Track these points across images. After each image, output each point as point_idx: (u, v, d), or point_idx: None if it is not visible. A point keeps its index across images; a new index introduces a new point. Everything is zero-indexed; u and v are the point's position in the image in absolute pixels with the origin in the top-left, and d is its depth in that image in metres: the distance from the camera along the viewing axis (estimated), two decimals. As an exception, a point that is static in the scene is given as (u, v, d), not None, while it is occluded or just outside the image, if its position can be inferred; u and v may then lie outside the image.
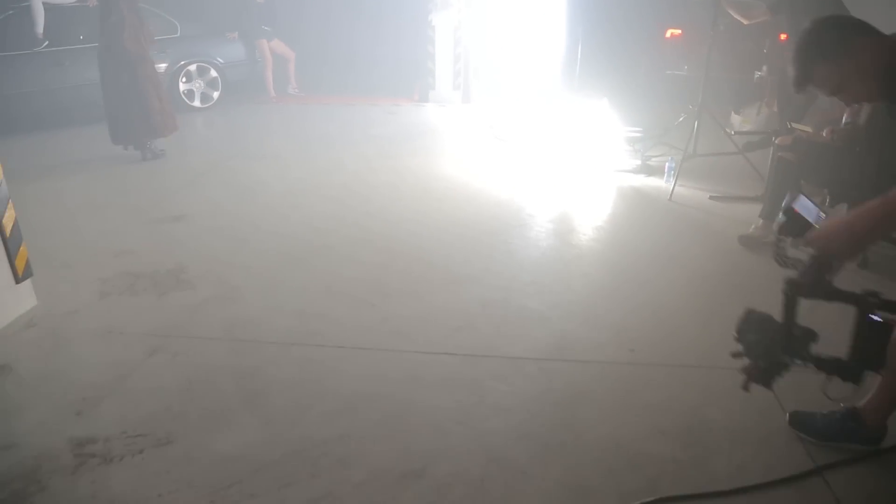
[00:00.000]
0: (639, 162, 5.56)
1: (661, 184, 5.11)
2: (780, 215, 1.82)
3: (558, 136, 6.34)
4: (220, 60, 8.33)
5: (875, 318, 1.71)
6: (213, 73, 8.29)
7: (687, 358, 2.71)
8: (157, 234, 4.34)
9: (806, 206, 1.85)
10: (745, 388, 1.84)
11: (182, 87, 8.09)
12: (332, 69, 10.09)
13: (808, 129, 4.05)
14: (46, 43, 7.11)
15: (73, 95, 7.23)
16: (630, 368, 2.69)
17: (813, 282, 1.70)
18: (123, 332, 3.09)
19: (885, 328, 1.71)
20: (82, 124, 7.34)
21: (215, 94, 8.35)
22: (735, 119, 6.47)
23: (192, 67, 8.12)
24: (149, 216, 4.63)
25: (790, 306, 1.71)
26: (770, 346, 1.76)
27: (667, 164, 5.21)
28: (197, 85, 8.23)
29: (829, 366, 1.83)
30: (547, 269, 3.75)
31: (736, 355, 1.85)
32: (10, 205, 3.21)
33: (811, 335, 1.80)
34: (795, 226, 1.82)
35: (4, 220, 3.17)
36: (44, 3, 7.06)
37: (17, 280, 3.27)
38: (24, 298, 3.32)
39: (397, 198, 4.93)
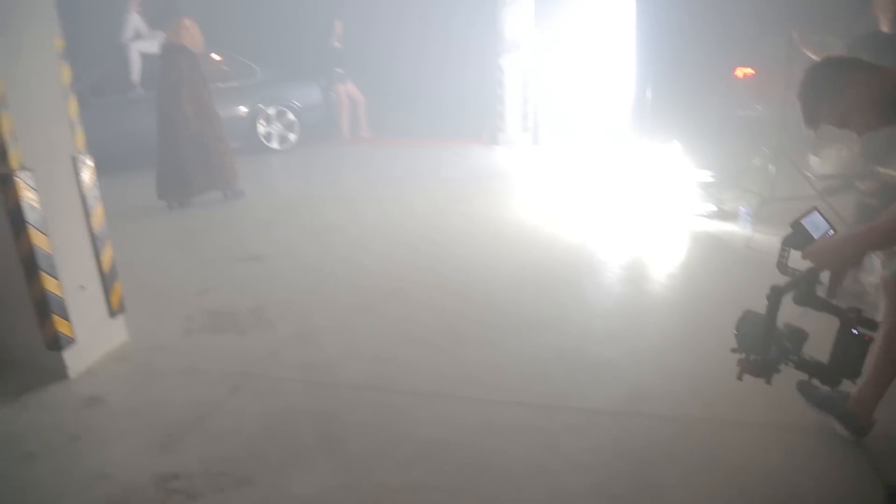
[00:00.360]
0: (713, 207, 5.44)
1: (737, 230, 4.99)
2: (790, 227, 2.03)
3: (629, 180, 6.30)
4: (298, 104, 8.70)
5: (855, 331, 1.92)
6: (291, 116, 8.65)
7: (767, 416, 2.60)
8: (237, 273, 4.52)
9: (815, 223, 2.01)
10: (739, 377, 2.06)
11: (261, 129, 8.47)
12: (401, 111, 10.35)
13: (895, 172, 3.90)
14: (140, 90, 7.59)
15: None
16: (709, 425, 2.61)
17: (801, 290, 1.96)
18: (206, 369, 3.22)
19: (862, 342, 1.92)
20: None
21: (292, 137, 8.70)
22: (814, 161, 6.28)
23: (271, 111, 8.50)
24: (230, 255, 4.83)
25: (772, 307, 1.94)
26: (756, 341, 1.99)
27: (741, 208, 5.08)
28: (275, 127, 8.60)
29: (809, 367, 2.05)
30: (620, 316, 3.70)
31: (734, 350, 2.08)
32: (109, 243, 3.42)
33: (800, 335, 2.04)
34: (799, 239, 1.98)
35: (103, 258, 3.38)
36: (140, 53, 7.57)
37: (112, 315, 3.46)
38: (116, 333, 3.51)
39: (468, 242, 4.98)
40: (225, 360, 3.30)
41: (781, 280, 2.00)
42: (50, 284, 3.05)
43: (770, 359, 1.98)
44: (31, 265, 2.99)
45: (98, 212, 3.34)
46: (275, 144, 8.62)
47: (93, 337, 3.33)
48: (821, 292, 2.00)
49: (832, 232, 2.00)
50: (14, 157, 2.86)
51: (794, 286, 1.95)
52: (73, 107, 3.16)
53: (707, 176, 5.79)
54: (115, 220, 3.77)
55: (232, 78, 8.44)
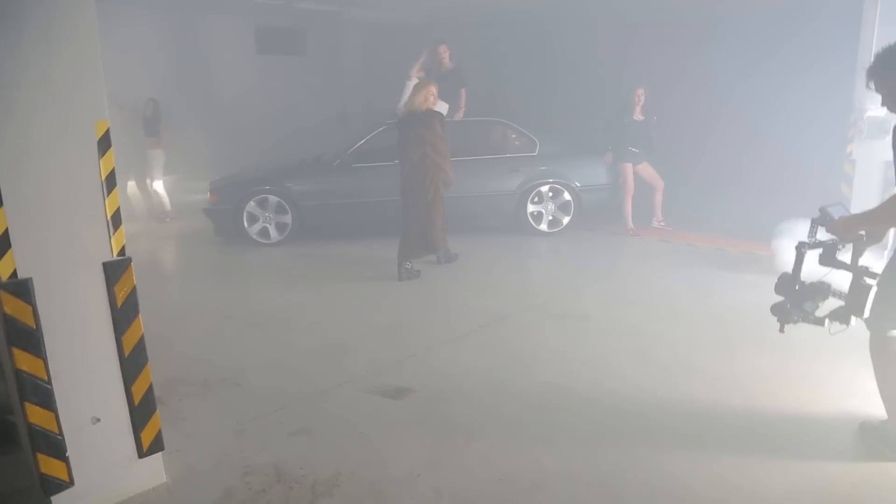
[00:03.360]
0: None
1: None
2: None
3: None
4: (577, 184, 7.48)
5: (864, 282, 2.76)
6: (567, 197, 7.47)
7: None
8: (359, 409, 3.54)
9: (837, 210, 2.88)
10: (781, 329, 3.00)
11: (530, 208, 7.45)
12: (710, 201, 8.33)
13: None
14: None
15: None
16: None
17: (825, 254, 2.89)
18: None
19: (868, 287, 2.75)
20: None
21: (565, 220, 7.50)
22: None
23: (545, 188, 7.44)
24: (374, 379, 3.88)
25: (798, 261, 2.89)
26: (786, 286, 2.94)
27: None
28: (547, 207, 7.51)
29: (823, 320, 2.88)
30: None
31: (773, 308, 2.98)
32: (147, 368, 2.75)
33: (822, 288, 2.89)
34: (824, 219, 2.86)
35: (136, 386, 2.71)
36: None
37: (142, 455, 2.78)
38: (145, 476, 2.82)
39: (724, 446, 3.19)
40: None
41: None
42: (38, 417, 2.46)
43: (790, 311, 2.92)
44: (20, 393, 2.43)
45: (134, 330, 2.68)
46: (543, 227, 7.50)
47: (105, 480, 2.68)
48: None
49: (846, 212, 2.89)
50: (5, 263, 2.33)
51: (816, 246, 2.88)
52: (112, 203, 2.56)
53: None
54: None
55: (505, 149, 7.65)
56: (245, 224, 7.18)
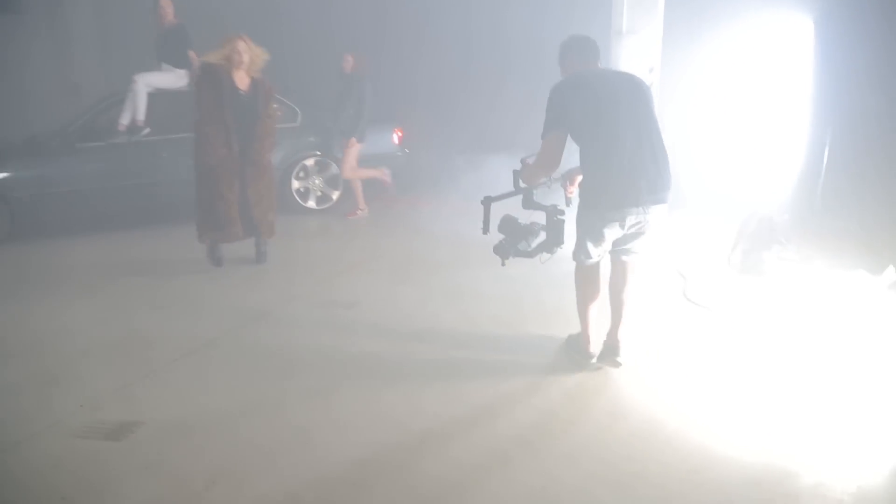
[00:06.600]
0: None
1: None
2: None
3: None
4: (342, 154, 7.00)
5: (556, 218, 3.38)
6: (335, 170, 6.96)
7: None
8: (65, 461, 2.75)
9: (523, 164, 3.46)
10: (502, 264, 3.43)
11: (295, 184, 6.83)
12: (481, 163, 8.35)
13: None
14: (147, 131, 6.25)
15: (172, 190, 6.33)
16: None
17: (525, 199, 3.48)
18: None
19: (561, 222, 3.38)
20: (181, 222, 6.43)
21: (335, 195, 7.01)
22: None
23: (310, 162, 6.85)
24: (89, 416, 3.07)
25: (486, 210, 3.48)
26: (506, 231, 3.43)
27: None
28: (314, 182, 6.95)
29: (535, 251, 3.44)
30: None
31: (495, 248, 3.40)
32: None
33: (532, 229, 3.45)
34: (516, 176, 3.49)
35: None
36: (151, 87, 6.24)
37: None
38: None
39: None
40: None
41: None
42: None
43: (508, 248, 3.37)
44: None
45: None
46: (312, 203, 6.95)
47: None
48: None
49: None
50: None
51: (507, 196, 3.55)
52: None
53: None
54: None
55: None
56: (-71, 226, 5.69)
